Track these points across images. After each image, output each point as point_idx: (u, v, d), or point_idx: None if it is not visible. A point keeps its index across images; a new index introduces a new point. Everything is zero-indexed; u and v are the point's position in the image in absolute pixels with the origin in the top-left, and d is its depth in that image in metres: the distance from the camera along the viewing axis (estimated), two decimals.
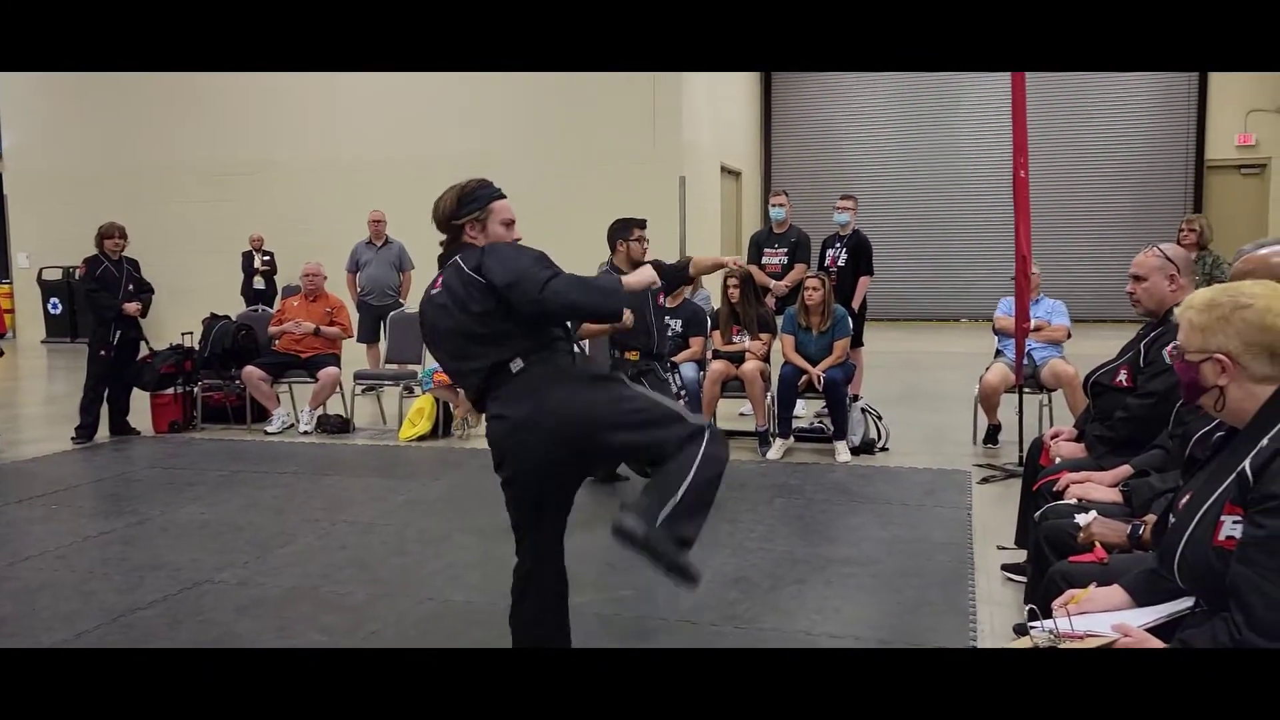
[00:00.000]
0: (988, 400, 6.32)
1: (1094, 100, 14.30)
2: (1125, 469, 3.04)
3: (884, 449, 6.32)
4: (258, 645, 3.38)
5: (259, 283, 12.45)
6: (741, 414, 7.38)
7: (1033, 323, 6.56)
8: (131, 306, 6.99)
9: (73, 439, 6.89)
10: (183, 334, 7.59)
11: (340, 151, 12.67)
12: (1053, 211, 14.04)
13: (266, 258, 12.56)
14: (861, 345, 7.31)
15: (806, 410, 7.30)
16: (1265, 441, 1.81)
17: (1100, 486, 2.96)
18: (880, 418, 6.47)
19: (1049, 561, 2.60)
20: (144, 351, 7.28)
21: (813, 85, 15.23)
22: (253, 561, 4.31)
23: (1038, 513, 2.97)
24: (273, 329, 7.46)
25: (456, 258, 2.68)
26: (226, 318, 7.71)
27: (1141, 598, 2.12)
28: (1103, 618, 2.06)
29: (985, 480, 5.52)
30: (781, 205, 7.45)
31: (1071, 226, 13.86)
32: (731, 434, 6.74)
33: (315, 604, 3.80)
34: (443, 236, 2.78)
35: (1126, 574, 2.18)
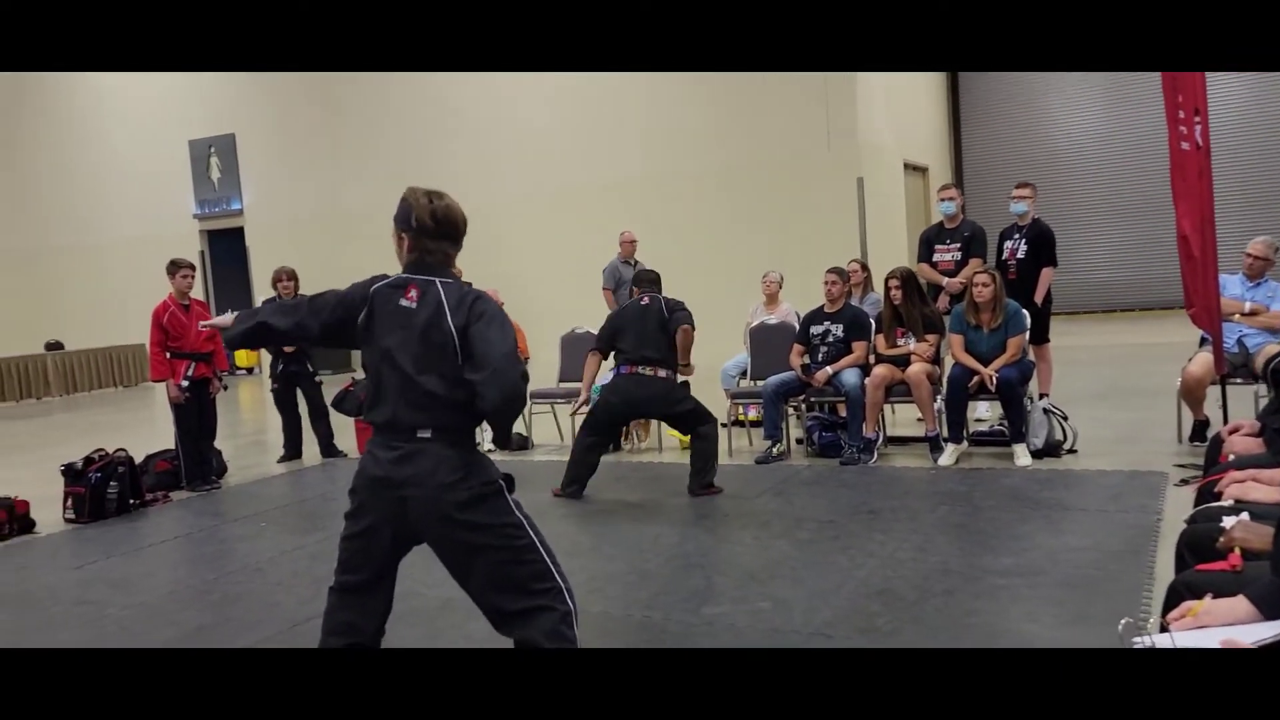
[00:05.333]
0: (1191, 394, 5.75)
1: None
2: None
3: (1071, 451, 5.87)
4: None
5: None
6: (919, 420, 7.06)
7: (1247, 306, 5.95)
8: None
9: (279, 461, 7.66)
10: None
11: (526, 184, 13.25)
12: None
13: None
14: (1048, 341, 6.84)
15: (992, 413, 6.91)
16: None
17: (1263, 486, 2.62)
18: (1066, 418, 6.01)
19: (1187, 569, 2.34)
20: (345, 382, 7.91)
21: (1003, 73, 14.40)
22: (421, 574, 4.56)
23: (1186, 516, 2.67)
24: None
25: None
26: None
27: (1270, 610, 1.87)
28: (1215, 632, 1.84)
29: (1184, 482, 5.00)
30: (952, 199, 7.10)
31: None
32: (903, 440, 6.49)
33: (465, 613, 3.96)
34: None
35: (1256, 583, 1.94)
